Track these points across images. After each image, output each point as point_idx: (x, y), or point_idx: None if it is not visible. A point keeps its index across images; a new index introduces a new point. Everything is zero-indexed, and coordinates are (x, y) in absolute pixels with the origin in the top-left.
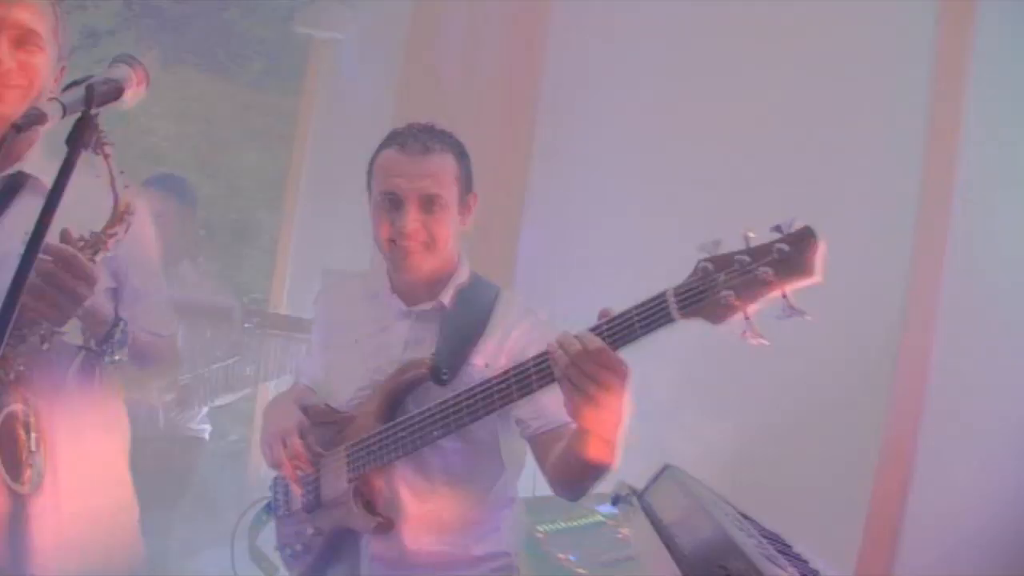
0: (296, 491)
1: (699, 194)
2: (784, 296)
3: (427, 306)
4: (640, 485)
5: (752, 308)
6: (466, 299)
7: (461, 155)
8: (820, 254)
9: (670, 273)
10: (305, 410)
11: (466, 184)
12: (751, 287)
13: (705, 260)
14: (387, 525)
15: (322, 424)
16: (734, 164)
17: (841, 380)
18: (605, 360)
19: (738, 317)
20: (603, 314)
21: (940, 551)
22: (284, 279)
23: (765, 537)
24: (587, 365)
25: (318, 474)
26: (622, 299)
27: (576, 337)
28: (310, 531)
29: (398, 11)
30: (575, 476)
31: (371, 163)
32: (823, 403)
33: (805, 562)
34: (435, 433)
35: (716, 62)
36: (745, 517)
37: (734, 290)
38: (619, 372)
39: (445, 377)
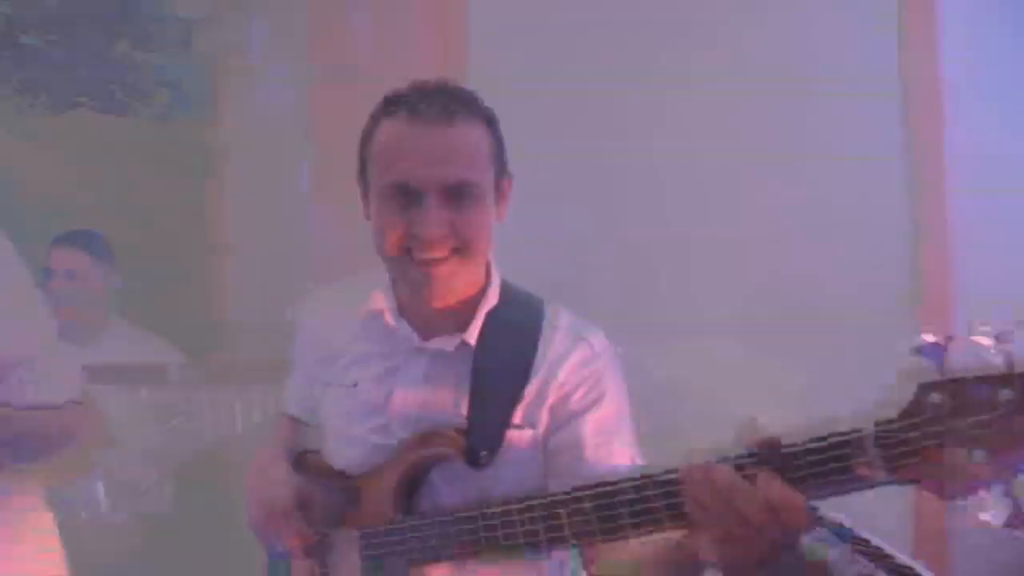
0: None
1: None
2: None
3: (448, 343)
4: None
5: (1006, 473)
6: (501, 330)
7: (492, 124)
8: None
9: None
10: (300, 463)
11: (501, 163)
12: (1011, 446)
13: (930, 388)
14: None
15: (323, 485)
16: (698, 108)
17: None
18: (793, 519)
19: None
20: (762, 442)
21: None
22: (230, 317)
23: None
24: (760, 515)
25: (327, 559)
26: (586, 278)
27: (739, 476)
28: None
29: (298, 13)
30: None
31: (365, 141)
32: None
33: (890, 556)
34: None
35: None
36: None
37: (985, 449)
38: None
39: (483, 460)
